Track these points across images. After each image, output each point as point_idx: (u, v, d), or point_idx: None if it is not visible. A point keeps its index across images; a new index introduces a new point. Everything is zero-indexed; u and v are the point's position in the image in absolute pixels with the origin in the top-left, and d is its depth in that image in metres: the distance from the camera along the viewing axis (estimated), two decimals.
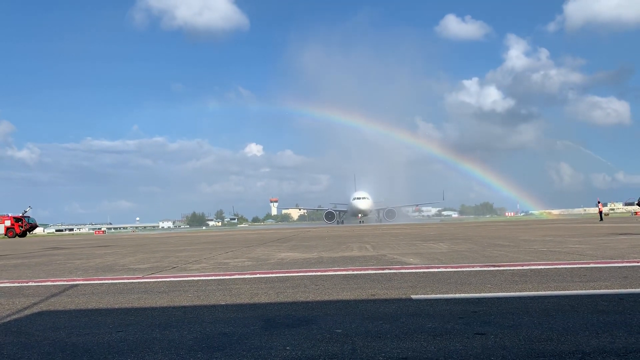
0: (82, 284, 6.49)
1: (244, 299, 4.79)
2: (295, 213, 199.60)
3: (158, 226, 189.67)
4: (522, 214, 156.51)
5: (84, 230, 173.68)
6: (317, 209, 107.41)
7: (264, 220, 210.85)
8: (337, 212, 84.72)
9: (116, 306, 4.70)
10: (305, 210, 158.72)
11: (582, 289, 4.72)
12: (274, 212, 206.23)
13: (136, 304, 4.76)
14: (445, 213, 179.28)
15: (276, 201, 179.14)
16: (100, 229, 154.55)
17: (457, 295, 4.59)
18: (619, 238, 12.79)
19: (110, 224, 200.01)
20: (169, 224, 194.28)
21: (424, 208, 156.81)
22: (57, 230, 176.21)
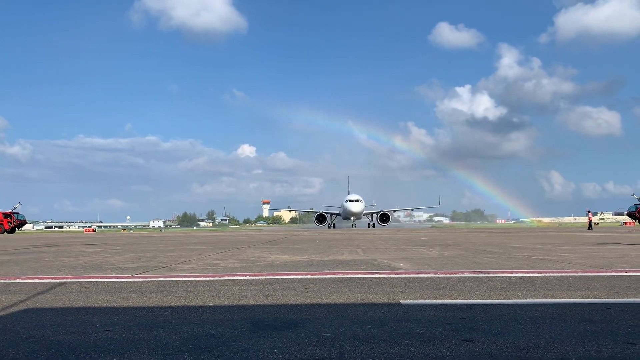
0: (70, 281, 6.45)
1: (233, 301, 4.78)
2: (286, 215, 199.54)
3: (149, 225, 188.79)
4: (512, 222, 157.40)
5: (74, 227, 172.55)
6: (309, 212, 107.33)
7: (255, 221, 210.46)
8: (329, 215, 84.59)
9: (103, 305, 4.67)
10: (296, 213, 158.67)
11: (570, 298, 4.74)
12: (265, 213, 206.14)
13: (124, 303, 4.73)
14: (436, 219, 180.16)
15: (268, 203, 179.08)
16: (90, 226, 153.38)
17: (446, 301, 4.59)
18: (608, 247, 12.88)
19: (101, 222, 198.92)
20: (160, 223, 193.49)
21: (415, 213, 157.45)
22: (46, 227, 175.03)
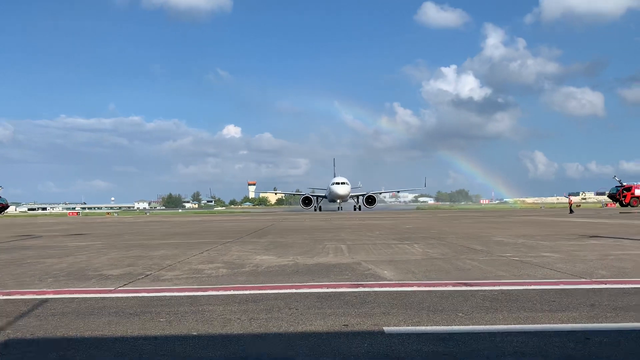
0: (52, 298, 6.39)
1: (217, 328, 4.76)
2: (272, 197, 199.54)
3: (133, 207, 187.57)
4: (496, 202, 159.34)
5: (58, 209, 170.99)
6: (295, 194, 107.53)
7: (241, 203, 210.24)
8: (315, 198, 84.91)
9: (86, 334, 4.63)
10: (283, 194, 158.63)
11: (550, 322, 4.81)
12: (251, 195, 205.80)
13: (106, 332, 4.69)
14: (421, 199, 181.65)
15: (254, 184, 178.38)
16: (74, 208, 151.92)
17: (429, 329, 4.63)
18: (590, 243, 13.08)
19: (85, 203, 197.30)
20: (145, 204, 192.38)
21: (401, 194, 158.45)
22: (29, 209, 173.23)
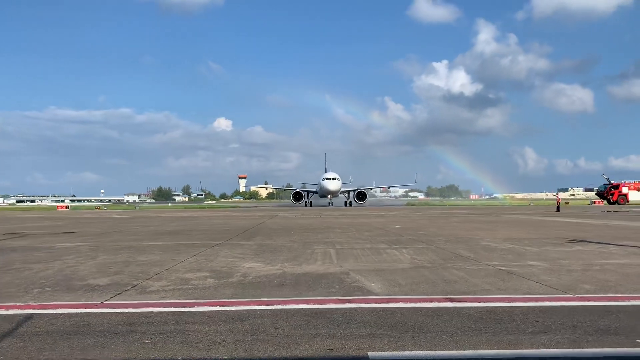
0: (37, 314, 6.36)
1: (201, 352, 4.77)
2: (263, 191, 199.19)
3: (123, 200, 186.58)
4: (486, 197, 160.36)
5: (47, 202, 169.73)
6: (286, 188, 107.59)
7: (232, 196, 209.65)
8: (306, 193, 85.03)
9: (70, 358, 4.63)
10: (273, 189, 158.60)
11: (532, 347, 4.86)
12: (242, 189, 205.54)
13: (90, 356, 4.69)
14: (412, 194, 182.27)
15: (245, 178, 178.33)
16: (63, 201, 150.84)
17: (413, 354, 4.67)
18: (575, 249, 13.20)
19: (74, 196, 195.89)
20: (135, 197, 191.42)
21: (391, 189, 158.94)
22: (17, 202, 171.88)
